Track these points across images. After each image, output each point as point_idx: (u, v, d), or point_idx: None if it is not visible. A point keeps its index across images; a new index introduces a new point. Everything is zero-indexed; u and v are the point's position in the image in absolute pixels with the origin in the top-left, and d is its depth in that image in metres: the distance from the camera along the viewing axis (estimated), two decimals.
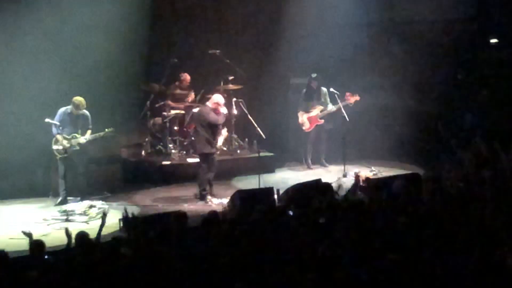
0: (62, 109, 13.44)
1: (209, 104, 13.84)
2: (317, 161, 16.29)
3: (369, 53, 17.69)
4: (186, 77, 16.28)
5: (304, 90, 16.13)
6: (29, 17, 14.55)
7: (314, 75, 15.99)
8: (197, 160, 14.25)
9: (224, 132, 15.19)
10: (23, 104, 14.29)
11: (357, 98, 15.55)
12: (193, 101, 16.10)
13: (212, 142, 13.62)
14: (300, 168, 16.24)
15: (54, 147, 13.36)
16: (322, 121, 16.00)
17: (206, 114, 13.69)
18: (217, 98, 13.84)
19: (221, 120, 13.80)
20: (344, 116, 15.34)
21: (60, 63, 15.07)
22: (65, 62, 15.14)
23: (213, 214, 9.37)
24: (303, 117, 16.06)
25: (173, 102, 16.15)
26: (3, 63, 14.42)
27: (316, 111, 15.99)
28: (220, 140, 15.09)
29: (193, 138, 15.10)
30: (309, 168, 16.14)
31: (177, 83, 16.31)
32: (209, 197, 13.58)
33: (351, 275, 6.66)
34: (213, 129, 13.68)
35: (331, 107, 15.84)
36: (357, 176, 11.97)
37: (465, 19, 17.35)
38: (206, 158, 13.73)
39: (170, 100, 16.13)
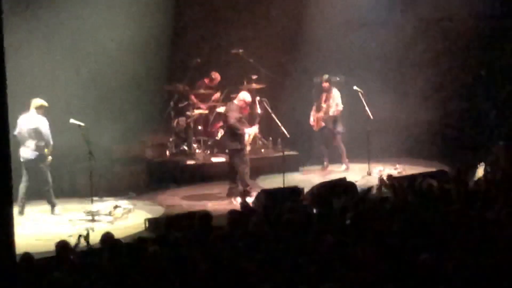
0: (44, 118, 12.78)
1: (235, 101, 13.83)
2: (338, 160, 16.18)
3: (392, 51, 17.58)
4: (217, 76, 16.27)
5: (314, 90, 16.08)
6: (53, 19, 14.60)
7: (325, 77, 15.91)
8: (222, 159, 14.18)
9: (252, 130, 14.26)
10: (49, 105, 14.30)
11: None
12: (217, 100, 16.12)
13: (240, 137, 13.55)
14: (324, 167, 16.18)
15: (50, 157, 12.86)
16: (323, 124, 15.93)
17: (232, 110, 13.66)
18: (243, 96, 13.83)
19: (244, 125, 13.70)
20: (368, 114, 15.26)
21: (84, 64, 15.12)
22: (89, 62, 15.19)
23: (239, 214, 9.35)
24: (313, 117, 16.03)
25: (197, 99, 16.15)
26: (31, 65, 14.41)
27: (322, 113, 15.92)
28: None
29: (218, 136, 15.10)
30: (323, 168, 16.07)
31: (206, 80, 16.29)
32: (233, 196, 13.55)
33: (380, 276, 6.61)
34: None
35: (332, 111, 15.78)
36: (381, 177, 11.82)
37: (488, 16, 17.19)
38: (236, 154, 13.60)
39: (194, 96, 16.12)
